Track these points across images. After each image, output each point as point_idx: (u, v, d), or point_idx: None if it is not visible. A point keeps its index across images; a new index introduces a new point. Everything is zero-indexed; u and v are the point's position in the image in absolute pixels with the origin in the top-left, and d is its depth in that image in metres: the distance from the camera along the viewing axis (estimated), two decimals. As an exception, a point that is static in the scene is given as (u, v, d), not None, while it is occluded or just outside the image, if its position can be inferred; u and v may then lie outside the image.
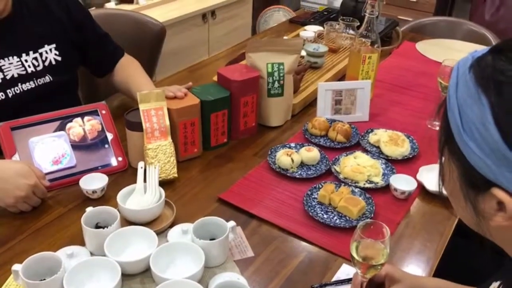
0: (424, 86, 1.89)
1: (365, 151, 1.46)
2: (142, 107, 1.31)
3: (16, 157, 1.25)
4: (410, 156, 1.44)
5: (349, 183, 1.31)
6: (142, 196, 1.18)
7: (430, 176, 1.31)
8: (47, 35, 1.44)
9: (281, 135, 1.57)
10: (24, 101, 1.38)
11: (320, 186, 1.29)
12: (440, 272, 1.08)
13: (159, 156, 1.29)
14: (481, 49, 0.64)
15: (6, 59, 1.36)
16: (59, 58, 1.46)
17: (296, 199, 1.27)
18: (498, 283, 0.74)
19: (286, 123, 1.63)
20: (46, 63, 1.43)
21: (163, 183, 1.26)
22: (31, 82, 1.40)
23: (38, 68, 1.42)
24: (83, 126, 1.35)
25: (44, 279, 0.94)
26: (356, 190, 1.28)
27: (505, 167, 0.57)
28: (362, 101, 1.62)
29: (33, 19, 1.42)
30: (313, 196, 1.27)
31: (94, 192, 1.22)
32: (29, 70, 1.40)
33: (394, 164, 1.40)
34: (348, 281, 1.03)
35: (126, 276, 1.01)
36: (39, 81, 1.42)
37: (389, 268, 0.97)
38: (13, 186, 1.13)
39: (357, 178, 1.32)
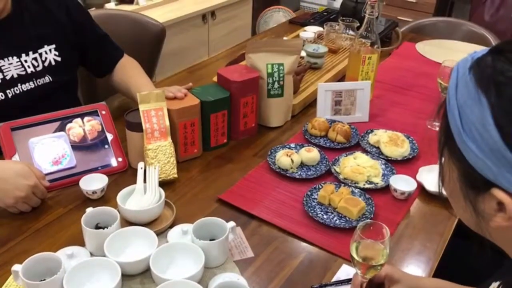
0: (424, 86, 1.89)
1: (365, 151, 1.46)
2: (142, 107, 1.31)
3: (16, 157, 1.25)
4: (410, 157, 1.44)
5: (349, 184, 1.31)
6: (142, 197, 1.18)
7: (430, 176, 1.31)
8: (47, 35, 1.44)
9: (281, 135, 1.57)
10: (24, 101, 1.38)
11: (320, 187, 1.29)
12: (440, 272, 1.08)
13: (159, 157, 1.29)
14: (480, 49, 0.64)
15: (5, 59, 1.36)
16: (58, 59, 1.46)
17: (296, 200, 1.27)
18: (497, 283, 0.74)
19: (286, 124, 1.63)
20: (46, 64, 1.43)
21: (163, 184, 1.26)
22: (31, 83, 1.40)
23: (38, 69, 1.42)
24: (83, 126, 1.35)
25: (44, 280, 0.94)
26: (356, 190, 1.28)
27: (505, 167, 0.57)
28: (362, 101, 1.62)
29: (33, 20, 1.41)
30: (313, 197, 1.27)
31: (94, 192, 1.22)
32: (29, 70, 1.40)
33: (394, 164, 1.40)
34: (348, 281, 1.03)
35: (126, 276, 1.00)
36: (39, 82, 1.42)
37: (388, 268, 0.97)
38: (13, 187, 1.13)
39: (357, 178, 1.33)
